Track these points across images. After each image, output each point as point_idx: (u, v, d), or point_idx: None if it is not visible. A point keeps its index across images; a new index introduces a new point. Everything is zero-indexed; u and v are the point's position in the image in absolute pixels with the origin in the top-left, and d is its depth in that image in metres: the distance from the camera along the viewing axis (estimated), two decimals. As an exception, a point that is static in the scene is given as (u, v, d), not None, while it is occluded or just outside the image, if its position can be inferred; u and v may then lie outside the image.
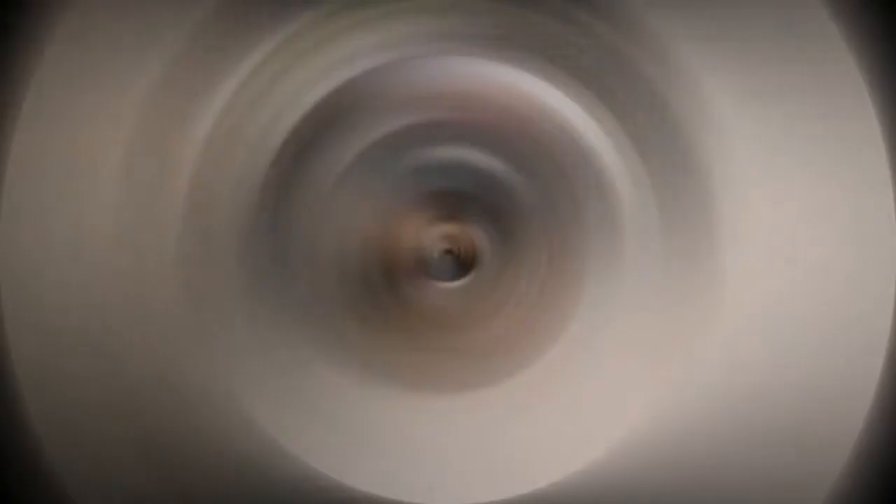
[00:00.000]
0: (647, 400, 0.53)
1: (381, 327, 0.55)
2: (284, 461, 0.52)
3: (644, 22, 0.53)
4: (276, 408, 0.53)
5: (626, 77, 0.55)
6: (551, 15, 0.55)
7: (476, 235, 0.56)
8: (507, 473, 0.53)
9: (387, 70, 0.55)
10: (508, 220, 0.56)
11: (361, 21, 0.55)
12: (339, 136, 0.55)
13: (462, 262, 0.56)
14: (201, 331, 0.53)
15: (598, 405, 0.54)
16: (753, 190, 0.53)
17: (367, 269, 0.55)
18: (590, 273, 0.55)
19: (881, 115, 0.52)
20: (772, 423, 0.52)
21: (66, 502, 0.51)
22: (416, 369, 0.55)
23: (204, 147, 0.54)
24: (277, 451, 0.52)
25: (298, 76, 0.55)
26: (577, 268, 0.55)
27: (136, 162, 0.52)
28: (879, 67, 0.52)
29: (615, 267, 0.55)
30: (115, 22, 0.51)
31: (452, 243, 0.56)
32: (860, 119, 0.52)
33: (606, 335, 0.55)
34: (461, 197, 0.56)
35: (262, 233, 0.54)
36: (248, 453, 0.52)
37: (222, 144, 0.54)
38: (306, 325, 0.54)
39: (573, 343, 0.55)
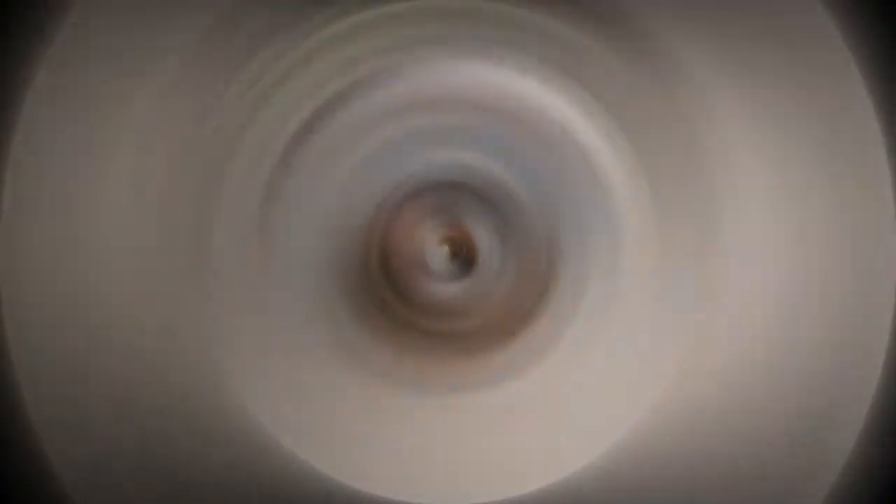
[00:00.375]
0: (646, 400, 0.53)
1: (382, 328, 0.55)
2: (284, 461, 0.52)
3: (645, 26, 0.54)
4: (276, 407, 0.53)
5: (628, 81, 0.55)
6: (553, 18, 0.55)
7: (476, 236, 0.56)
8: (506, 473, 0.53)
9: (389, 73, 0.55)
10: (509, 221, 0.56)
11: (364, 25, 0.55)
12: (341, 139, 0.55)
13: (462, 263, 0.56)
14: (202, 330, 0.53)
15: (598, 406, 0.54)
16: (753, 191, 0.53)
17: (368, 270, 0.56)
18: (589, 275, 0.55)
19: (881, 117, 0.52)
20: (771, 423, 0.52)
21: (66, 502, 0.51)
22: (416, 369, 0.55)
23: (208, 148, 0.54)
24: (277, 451, 0.52)
25: (301, 80, 0.55)
26: (576, 269, 0.55)
27: (138, 162, 0.52)
28: (880, 70, 0.52)
29: (614, 269, 0.55)
30: (119, 21, 0.52)
31: (453, 244, 0.56)
32: (860, 121, 0.52)
33: (606, 336, 0.55)
34: (462, 199, 0.56)
35: (265, 234, 0.54)
36: (248, 453, 0.52)
37: (226, 145, 0.54)
38: (307, 325, 0.54)
39: (573, 344, 0.55)
